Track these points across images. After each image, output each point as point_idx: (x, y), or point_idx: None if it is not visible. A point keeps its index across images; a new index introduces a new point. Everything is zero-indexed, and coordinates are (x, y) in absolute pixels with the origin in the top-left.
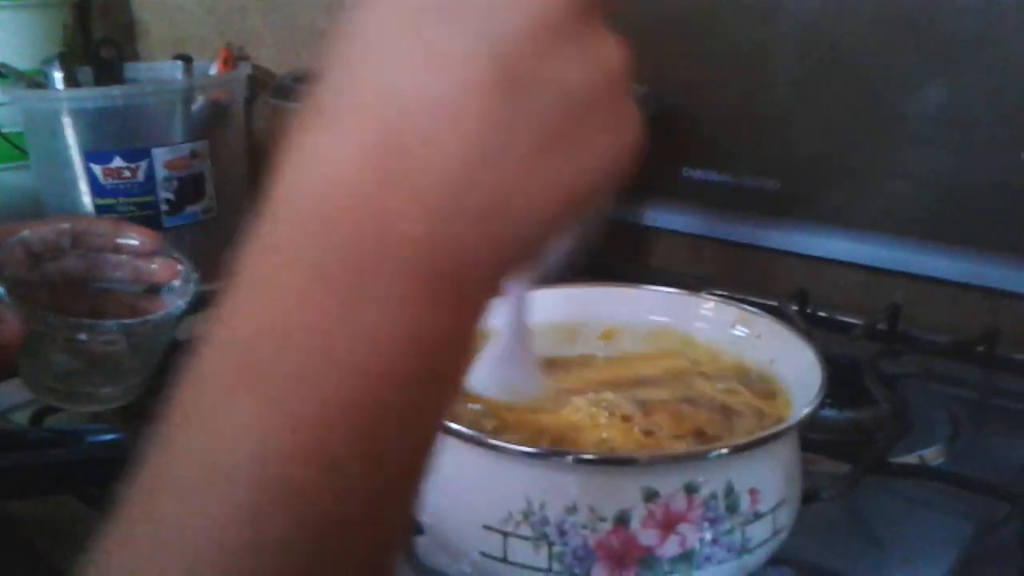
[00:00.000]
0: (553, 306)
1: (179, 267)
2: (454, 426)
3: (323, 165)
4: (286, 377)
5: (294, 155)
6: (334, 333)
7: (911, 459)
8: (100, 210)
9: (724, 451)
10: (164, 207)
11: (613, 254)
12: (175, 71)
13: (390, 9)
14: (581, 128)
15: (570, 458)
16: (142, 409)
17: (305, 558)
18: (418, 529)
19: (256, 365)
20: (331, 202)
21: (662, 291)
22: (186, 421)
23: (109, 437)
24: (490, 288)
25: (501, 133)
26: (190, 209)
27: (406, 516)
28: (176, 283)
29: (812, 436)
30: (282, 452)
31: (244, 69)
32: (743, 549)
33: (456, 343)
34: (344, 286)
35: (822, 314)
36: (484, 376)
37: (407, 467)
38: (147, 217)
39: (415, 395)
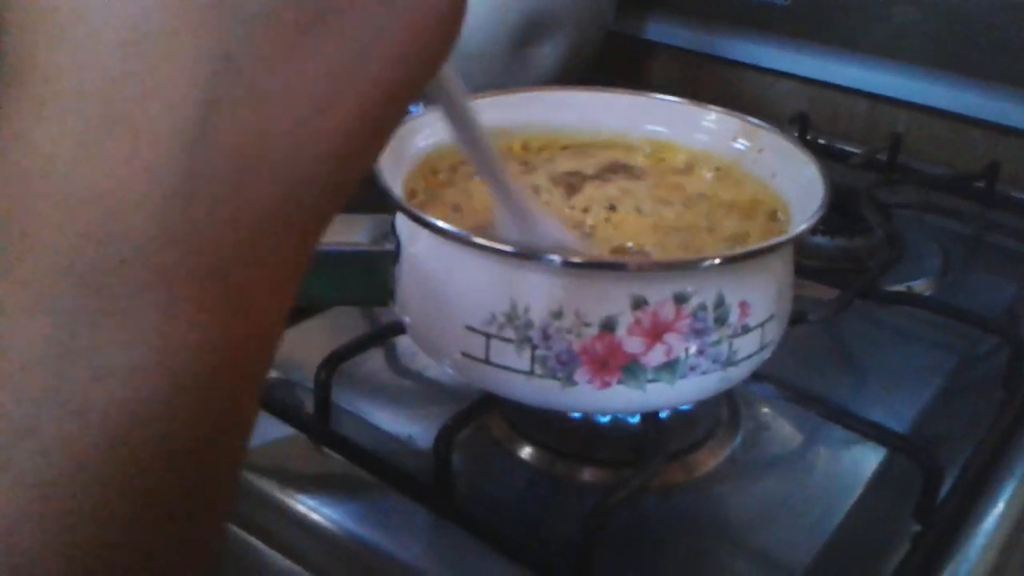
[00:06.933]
0: (551, 110)
1: None
2: (440, 224)
3: (33, 155)
4: (7, 435)
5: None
6: (60, 372)
7: (900, 288)
8: None
9: (716, 261)
10: None
11: (605, 69)
12: None
13: None
14: (338, 10)
15: (558, 261)
16: None
17: None
18: (400, 328)
19: None
20: (45, 199)
21: (664, 99)
22: None
23: None
24: (284, 284)
25: (227, 57)
26: None
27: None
28: None
29: (803, 262)
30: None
31: None
32: (728, 362)
33: (240, 358)
34: (68, 306)
35: (821, 141)
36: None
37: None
38: None
39: (179, 437)
